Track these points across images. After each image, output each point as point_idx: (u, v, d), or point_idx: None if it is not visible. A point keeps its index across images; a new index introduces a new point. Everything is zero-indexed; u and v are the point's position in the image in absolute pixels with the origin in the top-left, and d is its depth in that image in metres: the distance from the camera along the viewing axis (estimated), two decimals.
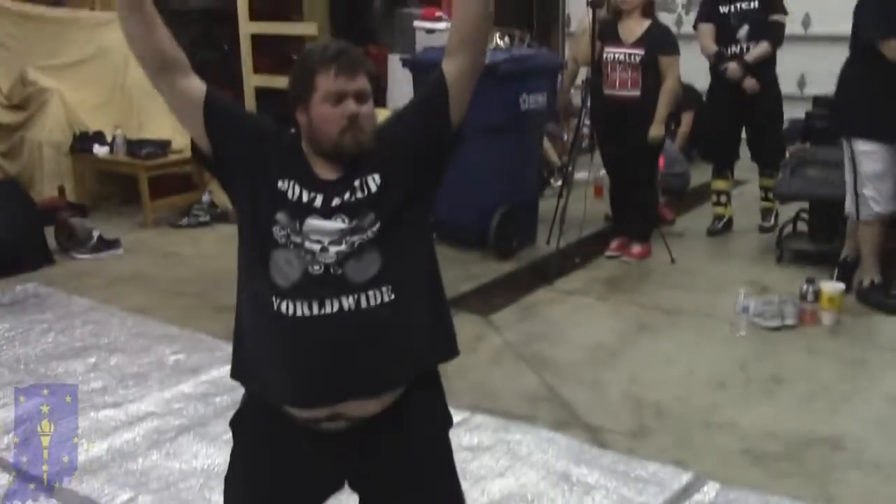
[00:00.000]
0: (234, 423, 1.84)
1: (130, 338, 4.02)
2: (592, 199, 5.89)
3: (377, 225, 1.67)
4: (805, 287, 4.05)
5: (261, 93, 6.42)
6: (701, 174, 6.72)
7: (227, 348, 1.89)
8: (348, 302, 1.64)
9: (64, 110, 6.24)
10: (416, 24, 6.52)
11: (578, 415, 3.28)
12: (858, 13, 4.04)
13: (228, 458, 1.86)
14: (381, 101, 6.40)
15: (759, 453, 2.98)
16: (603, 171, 5.62)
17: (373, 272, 1.66)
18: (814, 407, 3.31)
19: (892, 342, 3.87)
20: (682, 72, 5.06)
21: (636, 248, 5.07)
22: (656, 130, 4.83)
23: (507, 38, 5.25)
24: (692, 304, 4.36)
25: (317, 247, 1.65)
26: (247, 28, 6.43)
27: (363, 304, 1.65)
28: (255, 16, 6.56)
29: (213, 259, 5.16)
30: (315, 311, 1.64)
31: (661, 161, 5.40)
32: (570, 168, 5.30)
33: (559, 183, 6.04)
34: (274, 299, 1.66)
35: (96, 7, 6.82)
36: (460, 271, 4.79)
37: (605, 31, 4.93)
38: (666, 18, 6.11)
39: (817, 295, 4.03)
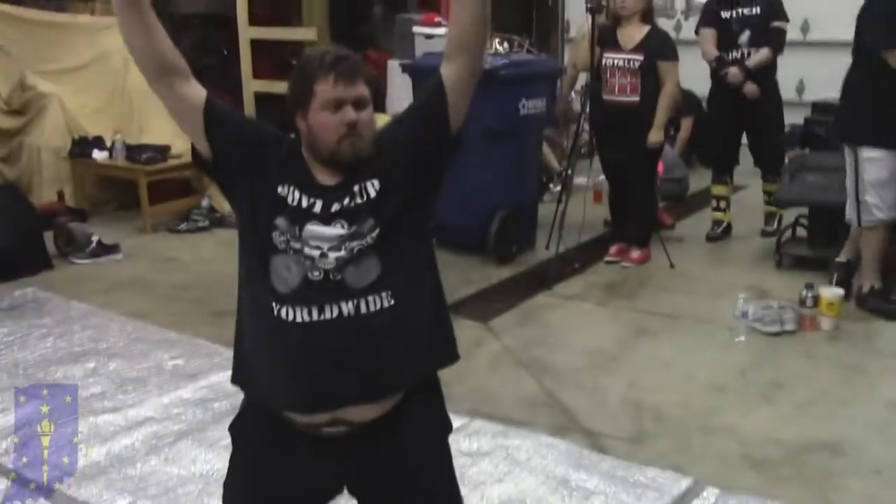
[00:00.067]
0: (234, 429, 1.84)
1: (129, 343, 4.01)
2: (592, 204, 5.91)
3: (376, 231, 1.67)
4: (804, 292, 4.05)
5: (260, 98, 6.42)
6: (700, 179, 6.73)
7: (226, 353, 1.89)
8: (348, 307, 1.64)
9: (63, 115, 6.24)
10: (416, 29, 6.53)
11: (577, 420, 3.27)
12: (862, 20, 4.03)
13: (227, 464, 1.86)
14: (380, 107, 6.39)
15: (759, 458, 2.98)
16: (602, 177, 5.63)
17: (372, 278, 1.66)
18: (813, 412, 3.31)
19: (892, 347, 3.87)
20: (682, 77, 5.07)
21: (635, 254, 5.08)
22: (655, 136, 4.84)
23: (506, 44, 5.26)
24: (691, 309, 4.36)
25: (316, 252, 1.65)
26: (246, 33, 6.44)
27: (363, 309, 1.65)
28: (254, 21, 6.57)
29: (212, 264, 5.16)
30: (315, 316, 1.64)
31: (661, 166, 5.41)
32: (570, 171, 5.30)
33: (558, 188, 6.05)
34: (274, 305, 1.66)
35: (96, 12, 6.83)
36: (459, 276, 4.79)
37: (605, 37, 4.94)
38: (665, 24, 6.14)
39: (816, 300, 4.03)
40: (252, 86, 6.47)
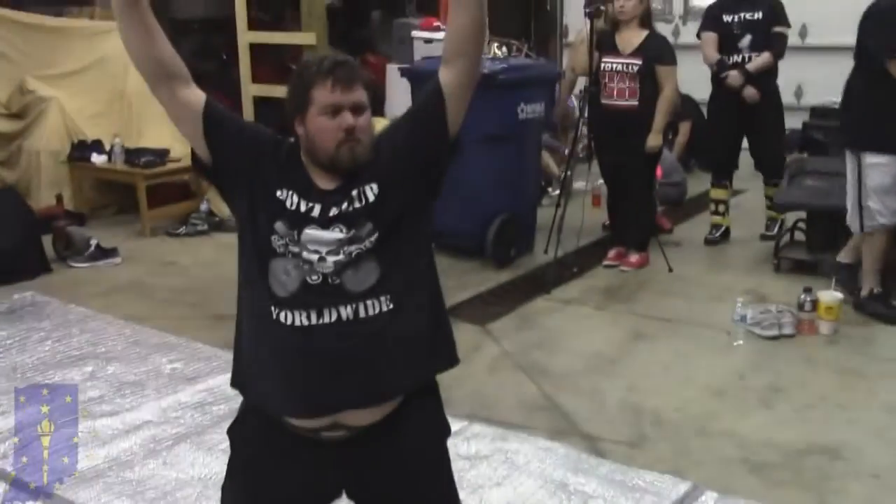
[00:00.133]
0: (232, 432, 1.84)
1: (128, 346, 4.01)
2: (590, 208, 5.91)
3: (375, 235, 1.67)
4: (803, 296, 4.06)
5: (260, 102, 6.43)
6: (698, 183, 6.74)
7: (225, 357, 1.89)
8: (346, 311, 1.65)
9: (62, 119, 6.25)
10: (415, 33, 6.55)
11: (576, 424, 3.27)
12: (864, 26, 4.03)
13: (226, 467, 1.86)
14: (379, 111, 6.41)
15: (758, 462, 2.98)
16: (601, 181, 5.63)
17: (371, 282, 1.66)
18: (812, 416, 3.31)
19: (891, 352, 3.87)
20: (680, 82, 5.08)
21: (634, 258, 5.08)
22: (654, 140, 4.84)
23: (504, 48, 5.27)
24: (690, 313, 4.36)
25: (315, 256, 1.65)
26: (245, 37, 6.44)
27: (361, 313, 1.65)
28: (253, 25, 6.58)
29: (210, 268, 5.17)
30: (313, 320, 1.64)
31: (659, 170, 5.41)
32: (569, 173, 5.31)
33: (557, 192, 6.05)
34: (272, 308, 1.66)
35: (96, 16, 6.83)
36: (458, 280, 4.79)
37: (603, 42, 4.94)
38: (663, 28, 6.16)
39: (815, 304, 4.03)
40: (251, 90, 6.47)
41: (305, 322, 1.64)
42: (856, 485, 2.83)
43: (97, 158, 6.10)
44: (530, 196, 5.46)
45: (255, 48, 6.51)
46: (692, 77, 6.06)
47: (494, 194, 5.02)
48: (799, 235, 5.08)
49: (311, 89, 1.69)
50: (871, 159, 4.02)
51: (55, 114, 6.21)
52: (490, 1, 1.76)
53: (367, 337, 1.65)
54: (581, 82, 5.62)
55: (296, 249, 1.66)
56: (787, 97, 5.56)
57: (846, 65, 4.25)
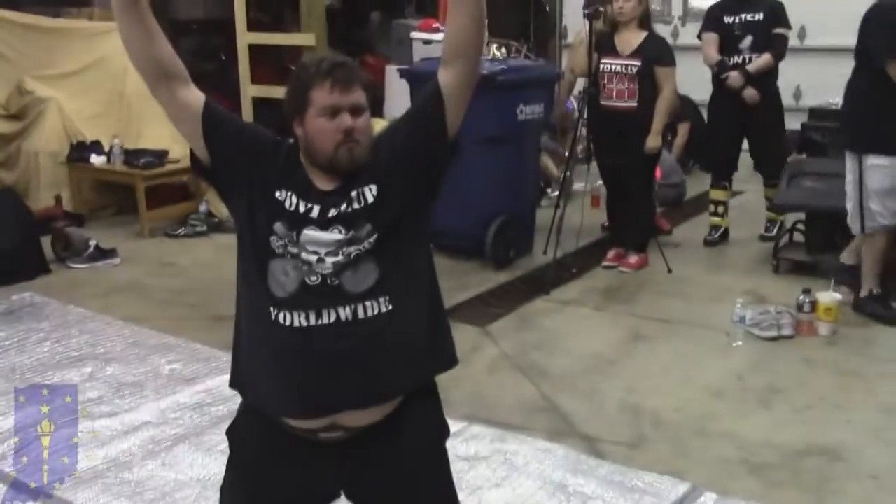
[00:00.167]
0: (231, 433, 1.84)
1: (127, 347, 4.01)
2: (590, 209, 5.91)
3: (374, 236, 1.67)
4: (801, 297, 4.06)
5: (259, 103, 6.43)
6: (697, 185, 6.75)
7: (224, 358, 1.89)
8: (345, 312, 1.65)
9: (61, 120, 6.25)
10: (414, 35, 6.56)
11: (575, 425, 3.27)
12: (865, 28, 4.03)
13: (224, 468, 1.86)
14: (378, 112, 6.42)
15: (757, 463, 2.98)
16: (600, 182, 5.63)
17: (370, 283, 1.66)
18: (810, 417, 3.31)
19: (890, 353, 3.87)
20: (679, 83, 5.08)
21: (633, 259, 5.08)
22: (653, 141, 4.84)
23: (503, 49, 5.27)
24: (689, 314, 4.37)
25: (313, 257, 1.65)
26: (244, 38, 6.44)
27: (360, 314, 1.65)
28: (253, 26, 6.58)
29: (209, 269, 5.16)
30: (312, 321, 1.64)
31: (658, 172, 5.41)
32: (568, 173, 5.31)
33: (556, 193, 6.05)
34: (271, 309, 1.66)
35: (94, 17, 6.84)
36: (457, 281, 4.79)
37: (602, 43, 4.94)
38: (662, 30, 6.16)
39: (814, 305, 4.03)
40: (250, 91, 6.47)
41: (304, 323, 1.64)
42: (854, 485, 2.84)
43: (96, 159, 6.11)
44: (529, 197, 5.46)
45: (254, 49, 6.51)
46: (691, 78, 6.06)
47: (494, 195, 5.02)
48: (798, 236, 5.08)
49: (310, 91, 1.69)
50: (872, 161, 4.02)
51: (54, 115, 6.21)
52: (489, 2, 1.76)
53: (365, 338, 1.65)
54: (580, 83, 5.62)
55: (295, 250, 1.66)
56: (785, 98, 5.57)
57: (845, 66, 4.25)
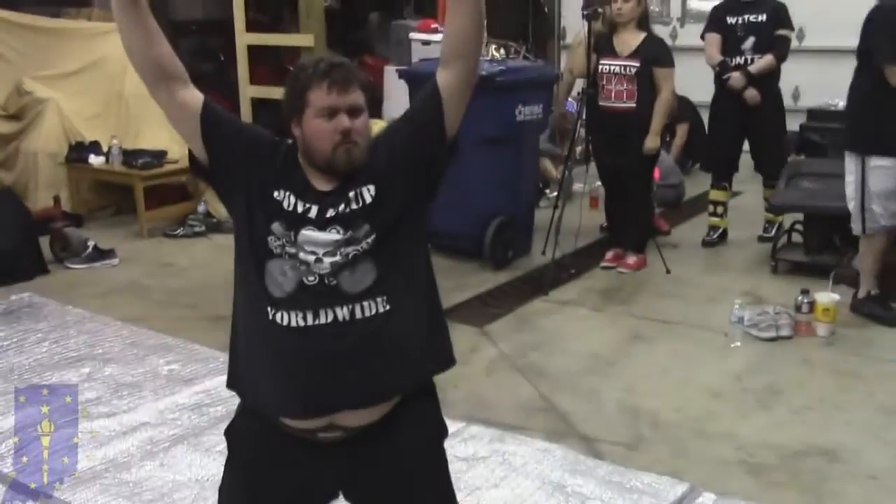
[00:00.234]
0: (229, 433, 1.84)
1: (125, 348, 4.01)
2: (588, 209, 5.91)
3: (372, 236, 1.67)
4: (800, 298, 4.06)
5: (258, 103, 6.43)
6: (696, 185, 6.75)
7: (222, 358, 1.89)
8: (342, 312, 1.64)
9: (60, 120, 6.25)
10: (412, 35, 6.57)
11: (574, 425, 3.27)
12: (867, 29, 4.02)
13: (223, 469, 1.86)
14: (376, 113, 6.42)
15: (755, 464, 2.98)
16: (598, 182, 5.64)
17: (367, 283, 1.66)
18: (809, 418, 3.32)
19: (888, 353, 3.87)
20: (677, 84, 5.08)
21: (631, 259, 5.08)
22: (652, 142, 4.85)
23: (502, 50, 5.27)
24: (687, 314, 4.37)
25: (311, 257, 1.65)
26: (243, 39, 6.44)
27: (357, 314, 1.65)
28: (251, 27, 6.58)
29: (208, 269, 5.16)
30: (309, 321, 1.64)
31: (657, 172, 5.41)
32: (568, 173, 5.31)
33: (555, 194, 6.06)
34: (269, 309, 1.66)
35: (93, 17, 6.83)
36: (455, 281, 4.79)
37: (601, 44, 4.95)
38: (661, 31, 6.16)
39: (812, 306, 4.03)
40: (249, 91, 6.47)
41: (301, 323, 1.64)
42: (853, 486, 2.84)
43: (95, 160, 6.11)
44: (528, 197, 5.46)
45: (252, 50, 6.51)
46: (690, 79, 6.06)
47: (492, 196, 5.02)
48: (796, 237, 5.08)
49: (308, 92, 1.69)
50: (875, 162, 4.02)
51: (53, 115, 6.21)
52: (488, 3, 1.76)
53: (363, 338, 1.65)
54: (579, 84, 5.63)
55: (292, 250, 1.66)
56: (784, 99, 5.57)
57: (843, 67, 4.25)
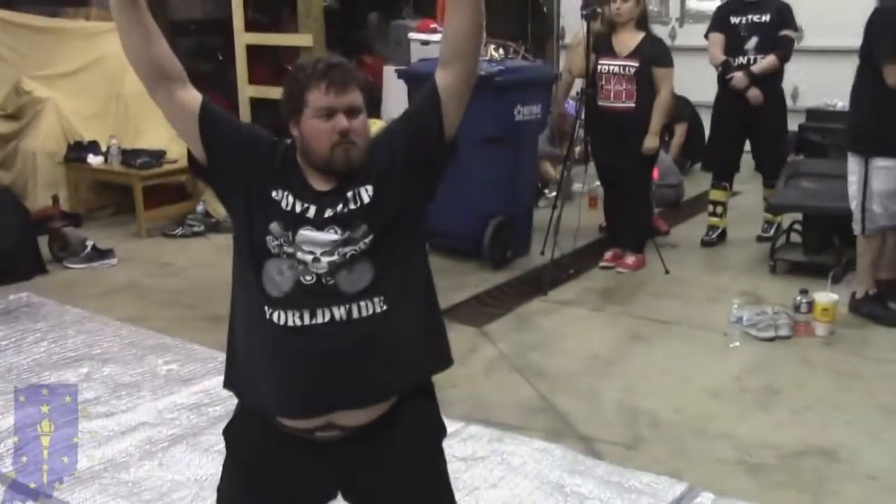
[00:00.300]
0: (227, 433, 1.84)
1: (123, 348, 4.01)
2: (587, 209, 5.91)
3: (370, 236, 1.67)
4: (799, 298, 4.06)
5: (257, 103, 6.43)
6: (695, 185, 6.75)
7: (221, 358, 1.89)
8: (340, 312, 1.64)
9: (59, 120, 6.24)
10: (412, 35, 6.56)
11: (572, 425, 3.27)
12: (869, 30, 4.02)
13: (221, 469, 1.86)
14: (375, 113, 6.41)
15: (754, 464, 2.98)
16: (597, 182, 5.64)
17: (365, 283, 1.66)
18: (808, 418, 3.32)
19: (887, 353, 3.87)
20: (676, 84, 5.08)
21: (630, 259, 5.08)
22: (651, 142, 4.85)
23: (501, 50, 5.27)
24: (686, 314, 4.37)
25: (309, 257, 1.65)
26: (242, 39, 6.44)
27: (355, 314, 1.65)
28: (250, 26, 6.57)
29: (207, 269, 5.16)
30: (306, 320, 1.64)
31: (656, 172, 5.42)
32: (567, 173, 5.31)
33: (553, 194, 6.06)
34: (266, 309, 1.66)
35: (92, 17, 6.83)
36: (454, 281, 4.79)
37: (600, 44, 4.95)
38: (660, 31, 6.15)
39: (811, 306, 4.03)
40: (248, 91, 6.47)
41: (298, 322, 1.64)
42: (852, 486, 2.84)
43: (93, 159, 6.10)
44: (527, 197, 5.46)
45: (251, 49, 6.51)
46: (688, 79, 6.06)
47: (491, 196, 5.02)
48: (795, 237, 5.09)
49: (306, 92, 1.69)
50: (878, 163, 4.01)
51: (51, 115, 6.20)
52: (487, 3, 1.76)
53: (360, 338, 1.65)
54: (578, 84, 5.63)
55: (290, 250, 1.66)
56: None
57: (842, 67, 4.26)
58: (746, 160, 5.66)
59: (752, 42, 5.22)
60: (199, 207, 6.09)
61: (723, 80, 5.33)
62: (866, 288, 4.23)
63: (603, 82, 4.89)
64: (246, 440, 1.80)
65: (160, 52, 1.71)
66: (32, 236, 5.22)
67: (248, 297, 1.71)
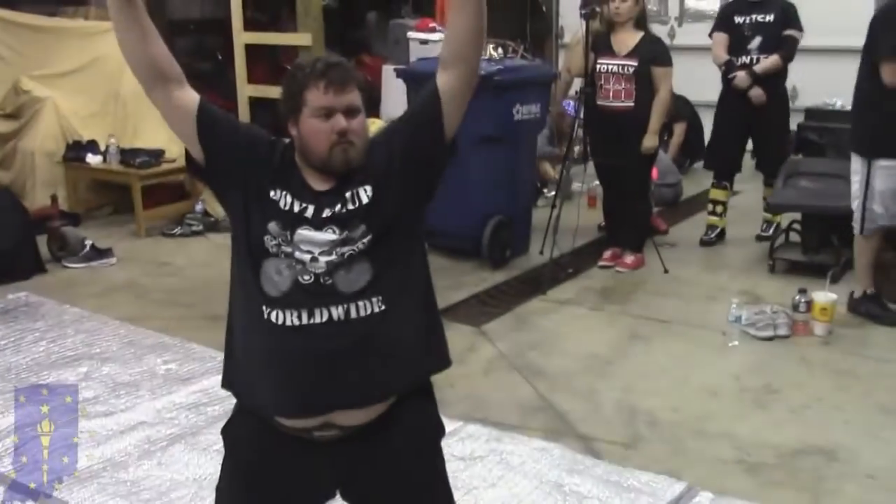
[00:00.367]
0: (226, 432, 1.84)
1: (122, 347, 4.01)
2: (586, 209, 5.91)
3: (368, 237, 1.67)
4: (797, 297, 4.06)
5: (255, 103, 6.42)
6: (693, 184, 6.75)
7: (220, 357, 1.89)
8: (338, 312, 1.64)
9: (57, 119, 6.24)
10: (410, 34, 6.56)
11: (571, 424, 3.27)
12: (872, 29, 4.02)
13: (220, 468, 1.86)
14: (374, 112, 6.41)
15: (753, 463, 2.98)
16: (596, 182, 5.64)
17: (363, 283, 1.66)
18: (807, 417, 3.32)
19: (885, 352, 3.88)
20: (675, 83, 5.08)
21: (629, 259, 5.08)
22: (650, 141, 4.85)
23: (500, 49, 5.27)
24: (685, 314, 4.37)
25: (307, 257, 1.65)
26: (241, 38, 6.44)
27: (353, 314, 1.65)
28: (249, 26, 6.57)
29: (205, 268, 5.16)
30: (304, 320, 1.64)
31: (654, 172, 5.42)
32: (566, 173, 5.31)
33: (552, 193, 6.06)
34: (264, 308, 1.66)
35: (90, 16, 6.82)
36: (453, 281, 4.79)
37: (599, 43, 4.95)
38: (659, 30, 6.16)
39: (809, 305, 4.04)
40: (247, 90, 6.47)
41: (296, 322, 1.64)
42: (851, 485, 2.84)
43: (92, 159, 6.10)
44: (526, 197, 5.46)
45: (250, 49, 6.50)
46: (687, 78, 6.06)
47: (490, 195, 5.02)
48: (794, 236, 5.09)
49: (304, 91, 1.69)
50: (882, 163, 4.01)
51: (50, 114, 6.20)
52: (487, 3, 1.76)
53: (358, 338, 1.65)
54: (577, 84, 5.63)
55: (288, 249, 1.66)
56: None
57: (842, 66, 4.26)
58: (746, 159, 5.66)
59: (756, 42, 5.22)
60: (198, 207, 6.09)
61: (726, 80, 5.33)
62: (864, 287, 4.23)
63: (602, 82, 4.89)
64: (244, 440, 1.80)
65: (157, 53, 1.71)
66: (31, 236, 5.22)
67: (246, 296, 1.71)
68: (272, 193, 1.70)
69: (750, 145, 5.54)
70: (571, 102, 6.49)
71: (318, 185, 1.72)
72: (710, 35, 5.43)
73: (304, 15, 6.14)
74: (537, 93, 5.24)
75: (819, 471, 2.93)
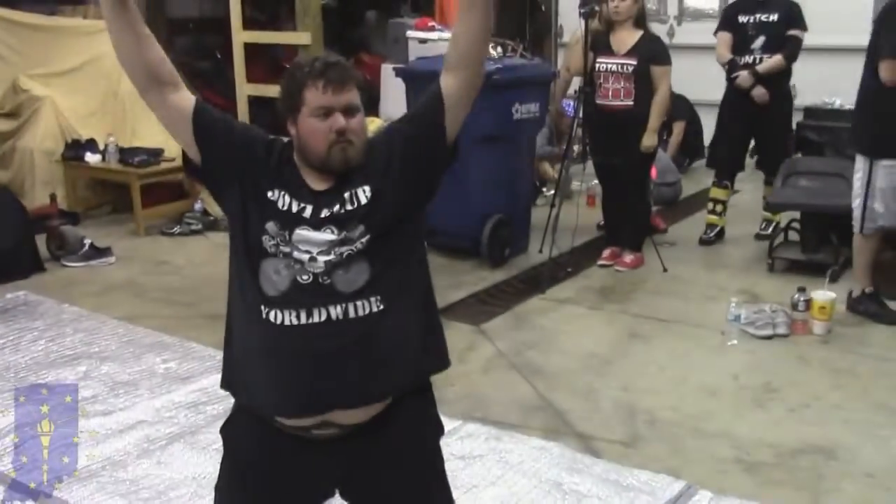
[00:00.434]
0: (225, 431, 1.84)
1: (121, 346, 4.00)
2: (585, 208, 5.91)
3: (367, 237, 1.67)
4: (796, 296, 4.06)
5: (254, 101, 6.42)
6: (693, 183, 6.76)
7: (219, 357, 1.89)
8: (336, 311, 1.64)
9: (56, 118, 6.24)
10: (410, 33, 6.55)
11: (570, 423, 3.28)
12: (877, 28, 4.01)
13: (219, 467, 1.86)
14: (373, 111, 6.41)
15: (752, 462, 2.98)
16: (596, 181, 5.64)
17: (361, 282, 1.66)
18: (805, 416, 3.32)
19: (884, 351, 3.88)
20: (674, 82, 5.08)
21: (628, 258, 5.08)
22: (649, 140, 4.85)
23: (499, 48, 5.27)
24: (684, 312, 4.37)
25: (305, 256, 1.65)
26: (240, 37, 6.43)
27: (351, 314, 1.65)
28: (248, 25, 6.56)
29: (204, 267, 5.16)
30: (303, 319, 1.64)
31: (654, 171, 5.42)
32: (565, 172, 5.31)
33: (552, 192, 6.06)
34: (262, 308, 1.66)
35: (89, 15, 6.82)
36: (452, 280, 4.79)
37: (598, 42, 4.95)
38: (658, 29, 6.15)
39: (808, 304, 4.04)
40: (246, 89, 6.46)
41: (295, 321, 1.64)
42: (850, 484, 2.84)
43: (91, 158, 6.10)
44: (525, 196, 5.46)
45: (249, 48, 6.50)
46: (687, 77, 6.06)
47: (489, 194, 5.02)
48: (793, 235, 5.09)
49: (303, 91, 1.69)
50: (884, 162, 4.01)
51: (49, 113, 6.20)
52: None
53: (356, 337, 1.65)
54: (576, 83, 5.63)
55: (287, 249, 1.66)
56: None
57: (841, 65, 4.27)
58: (749, 158, 5.66)
59: (760, 41, 5.22)
60: (197, 205, 6.09)
61: (729, 79, 5.33)
62: (863, 286, 4.23)
63: (601, 81, 4.89)
64: (243, 438, 1.80)
65: (152, 57, 1.71)
66: (30, 235, 5.22)
67: (244, 296, 1.70)
68: (270, 194, 1.70)
69: (751, 144, 5.54)
70: (570, 101, 6.48)
71: (317, 184, 1.72)
72: (715, 34, 5.44)
73: (302, 14, 6.13)
74: (536, 92, 5.24)
75: (818, 469, 2.93)
